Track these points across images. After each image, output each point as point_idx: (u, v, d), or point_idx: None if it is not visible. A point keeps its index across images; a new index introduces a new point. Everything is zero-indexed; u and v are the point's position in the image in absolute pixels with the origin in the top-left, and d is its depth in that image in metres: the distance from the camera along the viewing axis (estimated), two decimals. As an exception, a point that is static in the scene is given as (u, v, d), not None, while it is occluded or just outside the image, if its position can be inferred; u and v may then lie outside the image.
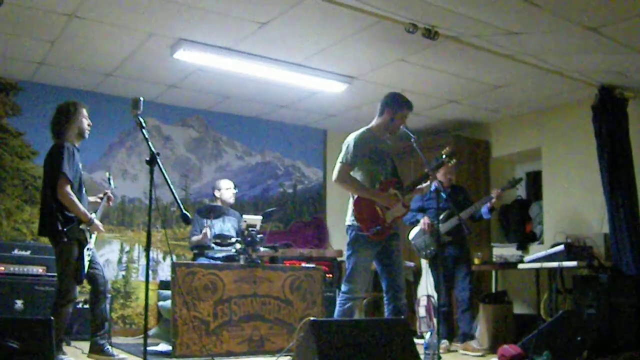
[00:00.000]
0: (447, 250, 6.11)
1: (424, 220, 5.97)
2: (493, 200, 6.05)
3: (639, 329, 5.42)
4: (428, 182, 4.82)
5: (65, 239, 4.58)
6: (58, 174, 4.58)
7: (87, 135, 4.92)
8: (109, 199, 5.10)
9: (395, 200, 4.67)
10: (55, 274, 5.82)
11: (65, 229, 4.57)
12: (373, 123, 4.86)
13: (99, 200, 5.04)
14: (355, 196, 4.68)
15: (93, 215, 4.76)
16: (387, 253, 4.69)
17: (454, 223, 5.95)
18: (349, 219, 4.71)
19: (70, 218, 4.62)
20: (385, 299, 4.71)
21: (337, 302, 4.70)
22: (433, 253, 6.02)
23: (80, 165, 4.84)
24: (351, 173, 4.67)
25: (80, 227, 4.65)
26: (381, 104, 4.86)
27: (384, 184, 4.72)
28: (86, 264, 4.69)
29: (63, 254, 4.63)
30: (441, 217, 5.97)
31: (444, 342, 5.88)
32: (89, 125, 4.92)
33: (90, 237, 4.76)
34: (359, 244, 4.62)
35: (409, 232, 6.21)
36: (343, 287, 4.67)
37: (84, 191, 4.84)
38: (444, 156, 4.93)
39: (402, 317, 4.52)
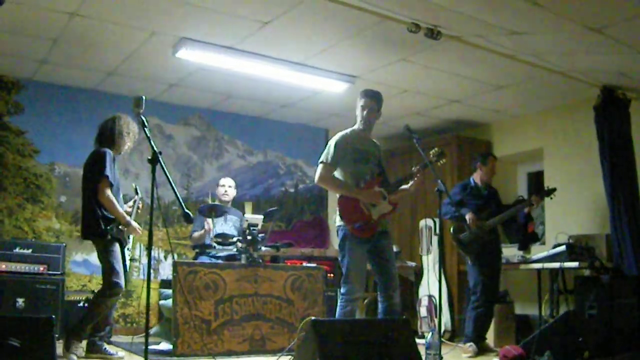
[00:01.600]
0: (491, 249, 6.02)
1: (470, 216, 5.91)
2: (533, 206, 6.02)
3: (641, 330, 5.42)
4: (412, 183, 4.82)
5: (109, 237, 4.83)
6: (100, 177, 4.78)
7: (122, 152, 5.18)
8: (139, 207, 5.33)
9: (379, 196, 4.69)
10: (56, 272, 5.84)
11: (108, 228, 4.81)
12: (356, 124, 4.89)
13: (128, 209, 5.19)
14: (339, 195, 4.73)
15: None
16: (378, 251, 4.72)
17: (472, 235, 5.91)
18: (337, 219, 4.77)
19: (111, 219, 4.86)
20: (379, 297, 4.74)
21: (338, 304, 4.71)
22: (478, 249, 5.94)
23: (117, 173, 5.06)
24: (336, 173, 4.73)
25: (120, 228, 4.88)
26: (356, 104, 4.90)
27: (369, 182, 4.75)
28: (127, 262, 5.01)
29: (107, 250, 4.84)
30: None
31: (471, 345, 5.83)
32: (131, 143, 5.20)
33: (128, 238, 5.04)
34: (348, 243, 4.66)
35: (451, 227, 6.15)
36: (342, 289, 4.70)
37: (120, 197, 5.07)
38: (431, 156, 4.93)
39: (397, 315, 4.58)
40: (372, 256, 4.73)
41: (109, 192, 4.80)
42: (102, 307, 4.81)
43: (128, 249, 5.03)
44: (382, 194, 4.69)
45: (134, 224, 4.96)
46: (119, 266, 4.85)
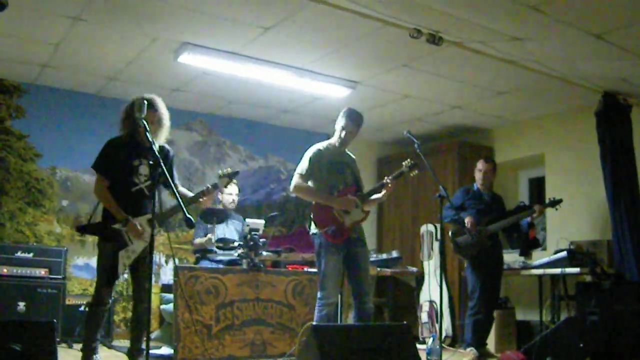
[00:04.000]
0: (490, 255, 5.95)
1: (468, 220, 5.90)
2: (535, 215, 5.99)
3: (642, 336, 5.41)
4: (384, 192, 4.88)
5: (98, 238, 4.36)
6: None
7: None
8: (204, 194, 4.70)
9: (352, 203, 4.78)
10: (58, 277, 5.81)
11: (97, 226, 4.36)
12: (333, 138, 4.99)
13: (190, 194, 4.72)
14: (314, 203, 4.86)
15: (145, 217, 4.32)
16: (353, 259, 4.83)
17: (470, 239, 5.88)
18: (312, 226, 4.87)
19: (105, 216, 4.34)
20: (353, 302, 4.85)
21: (316, 308, 4.77)
22: (474, 253, 5.91)
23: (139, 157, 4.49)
24: (310, 183, 4.86)
25: (114, 226, 4.24)
26: (338, 118, 4.96)
27: (343, 191, 4.87)
28: (121, 267, 4.25)
29: (98, 253, 4.36)
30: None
31: (471, 349, 5.82)
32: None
33: (130, 239, 4.29)
34: (323, 250, 4.76)
35: (450, 231, 6.14)
36: (318, 294, 4.78)
37: (140, 184, 4.44)
38: (404, 167, 4.98)
39: (368, 319, 4.70)
40: (347, 263, 4.83)
41: (99, 184, 4.35)
42: (92, 319, 4.30)
43: (127, 250, 4.26)
44: (355, 201, 4.80)
45: (134, 221, 4.25)
46: (100, 273, 4.31)
